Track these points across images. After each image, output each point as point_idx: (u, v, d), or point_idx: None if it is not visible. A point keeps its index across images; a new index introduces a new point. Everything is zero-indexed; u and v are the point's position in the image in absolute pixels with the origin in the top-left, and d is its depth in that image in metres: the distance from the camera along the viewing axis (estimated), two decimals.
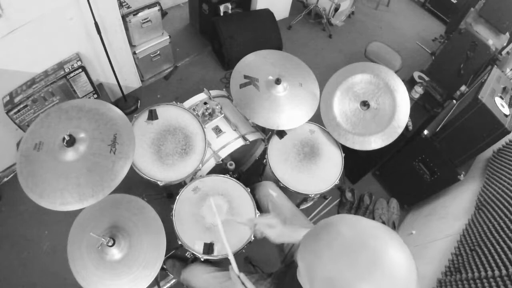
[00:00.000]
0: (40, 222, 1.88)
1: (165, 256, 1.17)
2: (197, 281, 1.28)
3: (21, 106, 1.66)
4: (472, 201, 1.62)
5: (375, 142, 1.55)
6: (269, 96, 1.56)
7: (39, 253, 1.81)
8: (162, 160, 1.45)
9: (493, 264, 1.17)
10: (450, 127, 1.71)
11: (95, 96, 2.03)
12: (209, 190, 1.40)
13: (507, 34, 2.09)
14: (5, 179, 2.01)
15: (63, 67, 1.78)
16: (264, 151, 1.66)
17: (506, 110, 1.56)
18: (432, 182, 1.94)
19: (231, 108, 1.75)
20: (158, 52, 2.44)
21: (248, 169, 2.05)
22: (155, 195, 1.88)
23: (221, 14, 2.66)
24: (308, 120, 1.59)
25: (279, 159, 1.60)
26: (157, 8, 2.18)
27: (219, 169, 1.62)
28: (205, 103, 1.67)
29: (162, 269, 1.50)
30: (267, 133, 1.78)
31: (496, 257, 1.18)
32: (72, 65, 1.79)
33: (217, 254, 1.26)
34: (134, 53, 2.28)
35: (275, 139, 1.65)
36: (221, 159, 1.54)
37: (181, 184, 1.50)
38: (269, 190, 1.42)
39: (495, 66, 1.87)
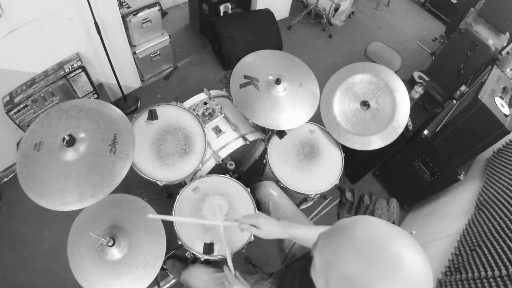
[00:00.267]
0: (40, 222, 1.88)
1: (165, 256, 1.17)
2: (197, 282, 1.28)
3: (21, 106, 1.66)
4: (472, 201, 1.62)
5: (375, 142, 1.55)
6: (269, 96, 1.56)
7: (39, 253, 1.81)
8: (162, 160, 1.45)
9: (493, 264, 1.17)
10: (450, 127, 1.71)
11: (95, 96, 2.03)
12: (209, 190, 1.40)
13: (507, 34, 2.09)
14: (5, 179, 2.01)
15: (63, 67, 1.78)
16: (264, 151, 1.66)
17: (506, 110, 1.56)
18: (432, 182, 1.94)
19: (231, 108, 1.76)
20: (158, 52, 2.44)
21: (248, 169, 2.05)
22: (155, 195, 1.88)
23: (221, 14, 2.66)
24: (308, 120, 1.59)
25: (279, 159, 1.60)
26: (157, 8, 2.18)
27: (219, 169, 1.62)
28: (205, 103, 1.67)
29: (162, 269, 1.50)
30: (267, 133, 1.78)
31: (496, 257, 1.18)
32: (72, 65, 1.79)
33: (217, 254, 1.26)
34: (134, 53, 2.28)
35: (275, 139, 1.65)
36: (221, 159, 1.54)
37: (181, 184, 1.50)
38: (270, 190, 1.42)
39: (495, 66, 1.87)
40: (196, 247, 1.27)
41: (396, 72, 1.70)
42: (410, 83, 2.13)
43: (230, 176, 1.47)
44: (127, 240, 1.17)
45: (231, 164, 1.66)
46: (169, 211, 1.33)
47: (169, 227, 1.27)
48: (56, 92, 1.78)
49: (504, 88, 1.68)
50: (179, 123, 1.54)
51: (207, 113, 1.65)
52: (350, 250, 0.55)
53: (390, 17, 3.70)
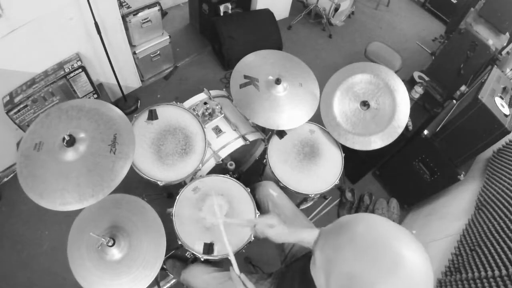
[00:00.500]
0: (40, 222, 1.88)
1: (165, 256, 1.17)
2: (197, 282, 1.28)
3: (21, 106, 1.67)
4: (472, 201, 1.62)
5: (375, 142, 1.55)
6: (269, 96, 1.56)
7: (39, 253, 1.81)
8: (162, 160, 1.45)
9: (493, 264, 1.17)
10: (450, 127, 1.71)
11: (95, 96, 2.03)
12: (209, 190, 1.40)
13: (507, 34, 2.09)
14: (5, 179, 2.01)
15: (63, 67, 1.78)
16: (264, 151, 1.66)
17: (506, 110, 1.56)
18: (432, 182, 1.94)
19: (231, 108, 1.75)
20: (158, 52, 2.44)
21: (248, 169, 2.05)
22: (155, 195, 1.88)
23: (221, 14, 2.66)
24: (308, 120, 1.59)
25: (279, 159, 1.60)
26: (157, 8, 2.18)
27: (219, 169, 1.61)
28: (205, 103, 1.67)
29: (162, 269, 1.50)
30: (267, 133, 1.78)
31: (496, 257, 1.18)
32: (72, 65, 1.79)
33: (217, 254, 1.26)
34: (134, 53, 2.28)
35: (275, 139, 1.65)
36: (221, 159, 1.54)
37: (181, 184, 1.50)
38: (269, 190, 1.42)
39: (495, 66, 1.87)
40: (196, 247, 1.26)
41: (396, 72, 1.70)
42: (410, 83, 2.13)
43: (230, 176, 1.47)
44: (127, 240, 1.17)
45: (231, 164, 1.66)
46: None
47: (169, 227, 1.27)
48: (56, 92, 1.78)
49: (504, 88, 1.68)
50: (179, 123, 1.54)
51: (207, 113, 1.65)
52: (351, 247, 0.55)
53: (390, 17, 3.70)
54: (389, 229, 0.57)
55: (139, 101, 2.45)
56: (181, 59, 2.79)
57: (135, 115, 1.49)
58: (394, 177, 2.27)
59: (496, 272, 1.12)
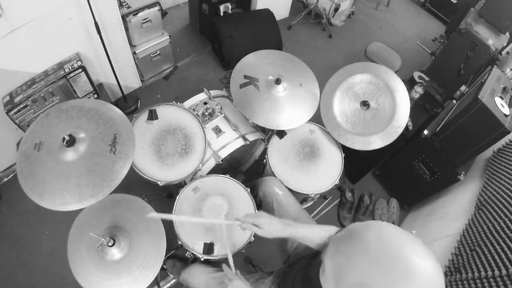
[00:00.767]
0: (40, 222, 1.88)
1: (165, 256, 1.17)
2: (197, 282, 1.28)
3: (21, 106, 1.66)
4: (472, 201, 1.62)
5: (375, 142, 1.55)
6: (269, 96, 1.56)
7: (39, 253, 1.81)
8: (162, 160, 1.45)
9: (493, 264, 1.17)
10: (450, 127, 1.71)
11: (95, 96, 2.03)
12: (209, 190, 1.40)
13: (507, 34, 2.09)
14: (5, 179, 2.01)
15: (63, 67, 1.78)
16: (264, 151, 1.66)
17: (506, 110, 1.56)
18: (432, 182, 1.94)
19: (231, 108, 1.75)
20: (158, 52, 2.44)
21: (248, 169, 2.05)
22: (155, 195, 1.88)
23: (221, 14, 2.66)
24: (308, 120, 1.59)
25: (279, 159, 1.60)
26: (157, 8, 2.18)
27: (219, 169, 1.62)
28: (205, 103, 1.67)
29: (162, 269, 1.50)
30: (267, 133, 1.78)
31: (496, 257, 1.18)
32: (72, 65, 1.79)
33: (217, 254, 1.26)
34: (134, 53, 2.28)
35: (275, 139, 1.65)
36: (221, 159, 1.54)
37: (181, 184, 1.50)
38: (275, 189, 1.40)
39: (495, 66, 1.87)
40: (196, 247, 1.27)
41: (396, 72, 1.70)
42: (410, 83, 2.13)
43: (230, 176, 1.47)
44: (127, 240, 1.17)
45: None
46: (169, 211, 1.33)
47: (169, 227, 1.27)
48: (56, 92, 1.78)
49: (504, 88, 1.68)
50: (179, 123, 1.54)
51: (207, 113, 1.65)
52: (363, 256, 0.55)
53: (390, 17, 3.70)
54: (400, 237, 0.57)
55: (139, 101, 2.45)
56: (181, 59, 2.79)
57: (135, 115, 1.49)
58: (394, 177, 2.27)
59: (496, 272, 1.12)
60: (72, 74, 1.80)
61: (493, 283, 1.10)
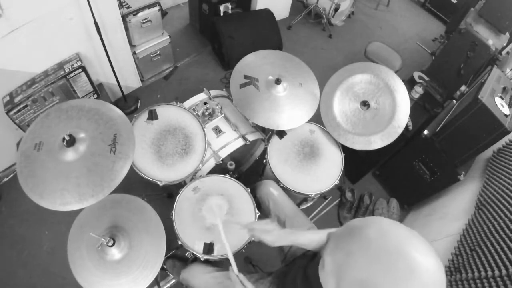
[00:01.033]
0: (40, 222, 1.88)
1: (165, 256, 1.17)
2: (197, 282, 1.28)
3: (21, 106, 1.66)
4: (472, 201, 1.62)
5: (375, 142, 1.55)
6: (269, 96, 1.56)
7: (39, 253, 1.81)
8: (162, 160, 1.45)
9: (493, 264, 1.17)
10: (450, 127, 1.71)
11: (95, 96, 2.03)
12: (209, 190, 1.40)
13: (507, 34, 2.09)
14: (5, 179, 2.01)
15: (63, 67, 1.78)
16: (264, 151, 1.66)
17: (506, 110, 1.56)
18: (432, 182, 1.94)
19: (231, 108, 1.75)
20: (158, 52, 2.44)
21: (248, 169, 2.05)
22: (155, 195, 1.88)
23: (221, 14, 2.66)
24: (308, 120, 1.59)
25: (279, 159, 1.60)
26: (157, 8, 2.18)
27: (219, 169, 1.61)
28: (205, 103, 1.67)
29: (162, 269, 1.50)
30: (267, 133, 1.78)
31: (496, 257, 1.18)
32: (72, 65, 1.79)
33: (217, 254, 1.26)
34: (134, 53, 2.28)
35: (275, 139, 1.65)
36: (221, 159, 1.54)
37: (181, 184, 1.50)
38: (270, 189, 1.42)
39: (495, 66, 1.87)
40: (196, 247, 1.27)
41: (396, 72, 1.70)
42: (410, 83, 2.13)
43: (230, 176, 1.47)
44: (127, 240, 1.17)
45: (231, 164, 1.66)
46: (169, 211, 1.33)
47: (169, 227, 1.27)
48: (56, 92, 1.78)
49: (504, 88, 1.68)
50: (179, 123, 1.54)
51: (207, 113, 1.65)
52: (364, 253, 0.54)
53: (390, 17, 3.70)
54: (401, 233, 0.57)
55: (139, 101, 2.45)
56: (181, 59, 2.79)
57: (135, 115, 1.49)
58: (394, 177, 2.27)
59: (496, 272, 1.12)
60: (72, 74, 1.80)
61: (493, 283, 1.10)
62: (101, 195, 1.07)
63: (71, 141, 1.08)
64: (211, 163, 1.55)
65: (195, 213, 1.34)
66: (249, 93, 1.55)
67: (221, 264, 1.34)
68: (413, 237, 0.56)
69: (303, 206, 1.99)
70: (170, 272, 1.62)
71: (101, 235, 1.10)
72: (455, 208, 1.77)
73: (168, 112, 1.55)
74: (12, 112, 1.65)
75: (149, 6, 2.13)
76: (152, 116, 1.51)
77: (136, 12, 2.09)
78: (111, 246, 1.12)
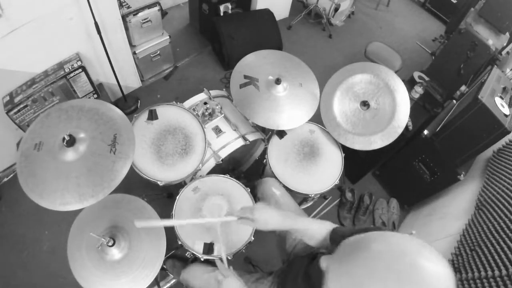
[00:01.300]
0: (40, 222, 1.88)
1: (165, 256, 1.17)
2: (197, 282, 1.28)
3: (21, 106, 1.66)
4: (472, 201, 1.62)
5: (375, 142, 1.55)
6: (269, 96, 1.56)
7: (39, 253, 1.81)
8: (162, 160, 1.45)
9: (493, 264, 1.17)
10: (450, 127, 1.71)
11: (95, 96, 2.03)
12: (209, 190, 1.40)
13: (507, 34, 2.09)
14: (5, 179, 2.01)
15: (63, 67, 1.78)
16: (264, 151, 1.66)
17: (506, 110, 1.56)
18: (432, 182, 1.94)
19: (231, 108, 1.75)
20: (158, 52, 2.44)
21: (248, 169, 2.05)
22: (155, 195, 1.88)
23: (221, 14, 2.66)
24: (308, 120, 1.59)
25: (279, 159, 1.60)
26: (157, 8, 2.18)
27: (219, 169, 1.61)
28: (205, 103, 1.67)
29: (162, 269, 1.50)
30: (267, 133, 1.78)
31: (496, 257, 1.18)
32: (72, 65, 1.79)
33: (217, 254, 1.26)
34: (134, 53, 2.28)
35: (275, 139, 1.65)
36: (221, 159, 1.54)
37: (181, 184, 1.50)
38: (272, 189, 1.41)
39: (495, 66, 1.87)
40: (196, 247, 1.27)
41: (396, 72, 1.70)
42: (410, 83, 2.13)
43: (230, 176, 1.47)
44: (127, 240, 1.17)
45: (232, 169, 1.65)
46: (169, 211, 1.33)
47: (169, 227, 1.27)
48: (56, 92, 1.78)
49: (504, 88, 1.68)
50: (179, 123, 1.54)
51: (207, 113, 1.65)
52: (372, 276, 0.52)
53: (390, 17, 3.70)
54: (403, 243, 0.55)
55: (139, 101, 2.45)
56: (181, 59, 2.79)
57: (135, 115, 1.49)
58: (394, 177, 2.27)
59: (496, 272, 1.12)
60: (72, 74, 1.79)
61: (493, 283, 1.10)
62: (101, 195, 1.07)
63: (71, 141, 1.08)
64: (211, 163, 1.55)
65: (195, 213, 1.34)
66: (249, 93, 1.55)
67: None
68: (417, 244, 0.55)
69: (303, 206, 1.99)
70: (170, 272, 1.62)
71: (101, 235, 1.10)
72: (455, 208, 1.77)
73: (168, 112, 1.55)
74: (12, 112, 1.65)
75: (149, 6, 2.13)
76: (152, 116, 1.51)
77: (136, 12, 2.09)
78: (111, 246, 1.12)
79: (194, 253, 1.25)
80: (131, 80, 2.43)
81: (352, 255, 0.57)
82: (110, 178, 1.08)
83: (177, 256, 1.63)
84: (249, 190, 1.43)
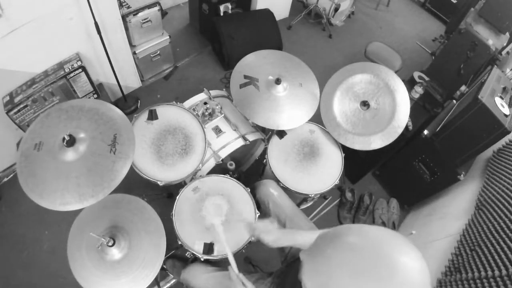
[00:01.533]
0: (40, 222, 1.88)
1: (165, 256, 1.17)
2: (197, 281, 1.28)
3: (21, 106, 1.66)
4: (472, 201, 1.62)
5: (375, 142, 1.55)
6: (269, 96, 1.56)
7: (39, 253, 1.81)
8: (162, 160, 1.45)
9: (493, 264, 1.17)
10: (450, 127, 1.71)
11: (95, 96, 2.03)
12: (209, 190, 1.40)
13: (507, 34, 2.09)
14: (5, 179, 2.01)
15: (63, 67, 1.78)
16: (264, 151, 1.66)
17: (506, 110, 1.56)
18: (432, 182, 1.94)
19: (231, 108, 1.75)
20: (158, 52, 2.44)
21: (248, 169, 2.05)
22: (155, 195, 1.88)
23: (221, 14, 2.66)
24: (308, 120, 1.59)
25: (279, 159, 1.60)
26: (157, 8, 2.18)
27: (219, 169, 1.62)
28: (205, 103, 1.67)
29: (162, 269, 1.50)
30: (267, 133, 1.78)
31: (496, 257, 1.18)
32: (72, 65, 1.79)
33: (217, 254, 1.26)
34: (134, 53, 2.28)
35: (275, 139, 1.65)
36: (221, 159, 1.54)
37: (181, 184, 1.50)
38: (270, 189, 1.42)
39: (495, 66, 1.87)
40: (196, 247, 1.27)
41: (396, 72, 1.70)
42: (410, 83, 2.13)
43: (230, 176, 1.47)
44: (127, 240, 1.17)
45: (231, 164, 1.66)
46: (169, 211, 1.33)
47: (169, 227, 1.27)
48: (56, 92, 1.78)
49: (504, 88, 1.68)
50: (179, 123, 1.54)
51: (207, 113, 1.65)
52: (344, 270, 0.52)
53: (390, 17, 3.70)
54: (374, 235, 0.56)
55: (139, 101, 2.45)
56: (181, 59, 2.79)
57: (135, 115, 1.49)
58: (394, 177, 2.27)
59: (496, 272, 1.12)
60: (72, 74, 1.79)
61: (493, 283, 1.10)
62: (101, 195, 1.07)
63: (71, 141, 1.08)
64: (211, 163, 1.55)
65: (195, 213, 1.34)
66: (249, 93, 1.55)
67: (221, 264, 1.34)
68: (392, 236, 0.55)
69: (303, 206, 1.99)
70: (170, 272, 1.62)
71: (101, 235, 1.10)
72: (455, 208, 1.77)
73: (168, 112, 1.55)
74: (12, 112, 1.65)
75: (149, 6, 2.13)
76: (152, 116, 1.51)
77: (136, 12, 2.09)
78: (111, 246, 1.12)
79: (194, 253, 1.25)
80: (131, 80, 2.43)
81: (323, 247, 0.58)
82: (110, 178, 1.08)
83: (177, 256, 1.63)
84: (249, 190, 1.43)
